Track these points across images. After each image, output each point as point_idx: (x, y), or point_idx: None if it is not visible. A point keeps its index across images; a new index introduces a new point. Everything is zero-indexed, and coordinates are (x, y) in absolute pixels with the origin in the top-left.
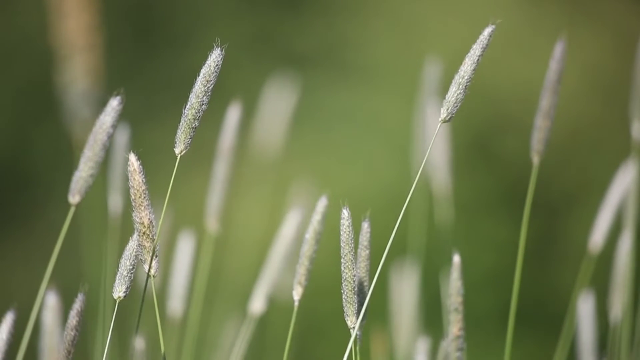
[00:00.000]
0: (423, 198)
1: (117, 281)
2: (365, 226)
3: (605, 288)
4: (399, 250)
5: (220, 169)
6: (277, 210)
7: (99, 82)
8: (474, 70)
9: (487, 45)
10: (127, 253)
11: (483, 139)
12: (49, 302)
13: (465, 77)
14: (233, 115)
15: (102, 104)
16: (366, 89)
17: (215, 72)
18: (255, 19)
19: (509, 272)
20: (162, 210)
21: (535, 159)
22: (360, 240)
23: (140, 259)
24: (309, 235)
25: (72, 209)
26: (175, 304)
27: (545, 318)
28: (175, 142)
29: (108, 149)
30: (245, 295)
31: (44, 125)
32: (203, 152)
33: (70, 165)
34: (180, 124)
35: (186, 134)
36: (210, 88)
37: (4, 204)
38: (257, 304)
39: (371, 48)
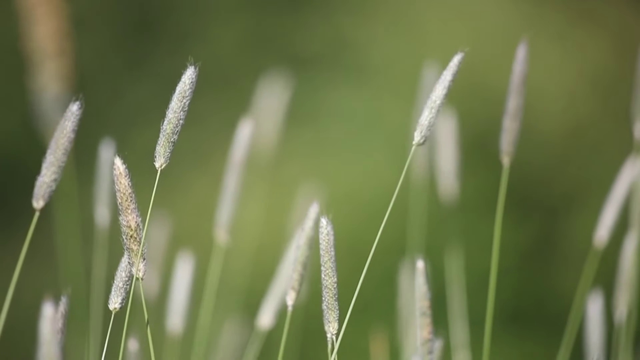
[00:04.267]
0: (422, 199)
1: (112, 292)
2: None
3: (608, 288)
4: (400, 251)
5: (231, 181)
6: (276, 211)
7: (70, 87)
8: (445, 95)
9: (456, 72)
10: (123, 265)
11: (483, 139)
12: (46, 313)
13: (437, 102)
14: (245, 129)
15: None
16: (366, 89)
17: (191, 88)
18: (255, 18)
19: (509, 272)
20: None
21: (506, 161)
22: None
23: (128, 262)
24: (302, 241)
25: (37, 214)
26: (176, 320)
27: (546, 319)
28: (155, 156)
29: (70, 153)
30: (243, 300)
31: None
32: (204, 150)
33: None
34: (159, 138)
35: (165, 148)
36: (186, 104)
37: (8, 203)
38: (266, 319)
39: (371, 48)
